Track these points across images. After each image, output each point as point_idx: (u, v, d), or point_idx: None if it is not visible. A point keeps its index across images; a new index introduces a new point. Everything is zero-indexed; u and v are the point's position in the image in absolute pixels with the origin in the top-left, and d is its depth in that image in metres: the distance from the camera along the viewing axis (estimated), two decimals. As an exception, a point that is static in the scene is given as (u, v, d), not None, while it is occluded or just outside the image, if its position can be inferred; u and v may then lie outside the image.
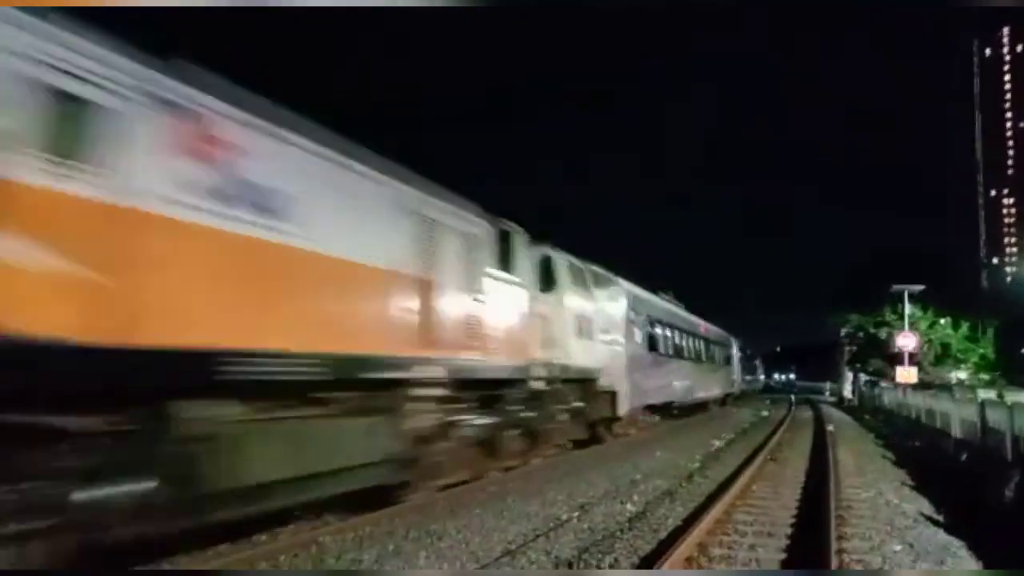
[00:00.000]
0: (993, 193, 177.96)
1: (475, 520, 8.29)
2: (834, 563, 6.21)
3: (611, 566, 6.47)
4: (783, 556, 6.87)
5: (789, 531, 7.95)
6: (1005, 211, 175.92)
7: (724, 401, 36.54)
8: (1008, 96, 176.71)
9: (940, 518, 9.04)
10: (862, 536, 7.73)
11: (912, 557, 6.96)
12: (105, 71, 4.90)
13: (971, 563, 6.91)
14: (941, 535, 8.05)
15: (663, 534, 7.75)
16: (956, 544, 7.62)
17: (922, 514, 9.20)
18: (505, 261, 10.53)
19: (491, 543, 7.34)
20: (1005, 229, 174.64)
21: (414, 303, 8.10)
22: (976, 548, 7.41)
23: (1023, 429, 11.43)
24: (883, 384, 38.91)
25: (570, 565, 6.51)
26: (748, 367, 57.90)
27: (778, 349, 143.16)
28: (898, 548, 7.33)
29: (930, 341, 43.76)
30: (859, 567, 6.44)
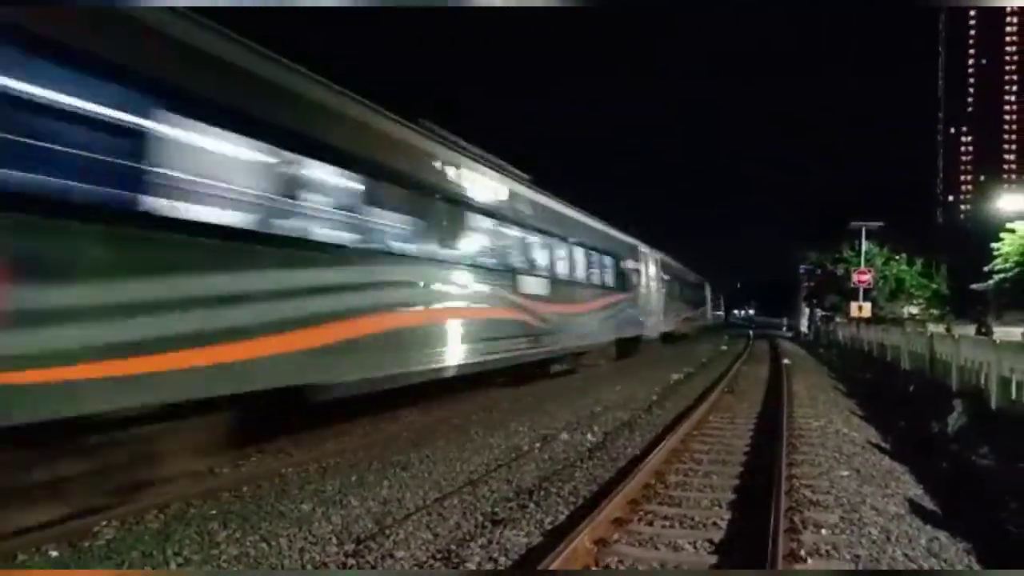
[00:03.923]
0: (952, 131, 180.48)
1: (438, 451, 8.42)
2: (784, 487, 6.44)
3: (570, 494, 6.65)
4: (736, 482, 7.11)
5: (743, 459, 8.21)
6: (963, 149, 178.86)
7: (626, 351, 22.20)
8: (972, 33, 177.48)
9: (886, 446, 9.42)
10: (812, 463, 8.03)
11: (858, 482, 7.25)
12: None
13: (911, 486, 7.24)
14: (886, 461, 8.40)
15: (622, 463, 7.96)
16: (900, 469, 7.97)
17: (869, 442, 9.58)
18: None
19: (454, 473, 7.48)
20: (962, 167, 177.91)
21: None
22: (916, 473, 7.77)
23: (968, 360, 11.89)
24: (838, 319, 39.99)
25: (531, 493, 6.67)
26: (690, 298, 38.67)
27: (738, 286, 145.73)
28: (845, 474, 7.63)
29: (885, 277, 44.92)
30: (807, 492, 6.70)
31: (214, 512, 5.96)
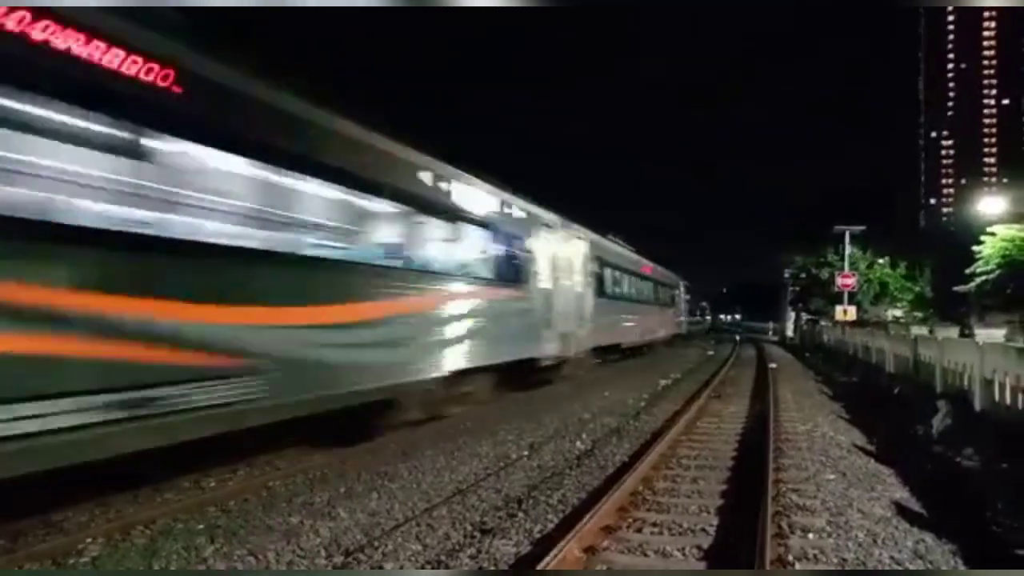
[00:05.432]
0: (933, 135, 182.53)
1: (426, 461, 8.40)
2: (771, 492, 6.48)
3: (560, 502, 6.65)
4: (724, 488, 7.14)
5: (730, 463, 8.25)
6: (944, 152, 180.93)
7: None
8: (951, 37, 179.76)
9: (872, 448, 9.48)
10: (798, 467, 8.08)
11: (844, 485, 7.30)
12: None
13: (897, 488, 7.28)
14: (872, 464, 8.46)
15: (610, 470, 7.97)
16: (885, 472, 8.02)
17: (855, 445, 9.64)
18: None
19: (442, 483, 7.46)
20: (943, 171, 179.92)
21: None
22: (902, 475, 7.82)
23: (952, 362, 12.00)
24: (823, 323, 40.23)
25: (520, 502, 6.66)
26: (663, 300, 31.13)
27: (724, 291, 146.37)
28: (832, 477, 7.68)
29: (869, 281, 45.28)
30: (794, 496, 6.73)
31: (201, 527, 5.92)
